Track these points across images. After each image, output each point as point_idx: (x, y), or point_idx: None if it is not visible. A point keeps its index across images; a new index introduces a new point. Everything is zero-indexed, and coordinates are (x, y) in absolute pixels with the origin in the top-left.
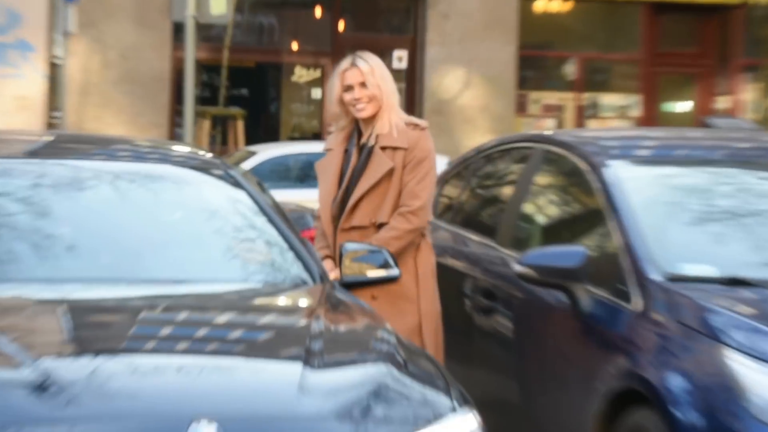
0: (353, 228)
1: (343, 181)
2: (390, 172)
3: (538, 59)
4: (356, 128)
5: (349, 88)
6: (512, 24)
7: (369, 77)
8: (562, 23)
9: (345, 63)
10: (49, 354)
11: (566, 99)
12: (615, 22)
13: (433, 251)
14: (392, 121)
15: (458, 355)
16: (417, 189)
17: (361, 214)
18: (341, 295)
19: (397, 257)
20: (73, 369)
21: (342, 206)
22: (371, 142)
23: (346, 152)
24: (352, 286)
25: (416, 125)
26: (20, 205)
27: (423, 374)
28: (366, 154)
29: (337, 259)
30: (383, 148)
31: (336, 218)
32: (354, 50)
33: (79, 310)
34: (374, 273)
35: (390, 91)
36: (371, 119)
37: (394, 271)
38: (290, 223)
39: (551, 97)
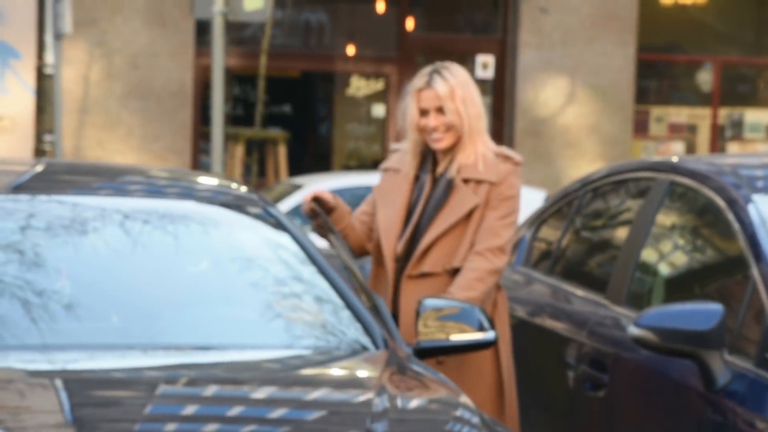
0: (423, 275)
1: (412, 215)
2: (472, 210)
3: (662, 65)
4: (430, 153)
5: (424, 112)
6: (630, 20)
7: (447, 101)
8: (695, 18)
9: (420, 79)
10: None
11: (699, 116)
12: (764, 18)
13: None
14: (478, 150)
15: None
16: (498, 226)
17: (434, 258)
18: (411, 363)
19: None
20: None
21: (410, 246)
22: (451, 173)
23: (417, 180)
24: (428, 353)
25: (508, 157)
26: (6, 253)
27: None
28: (445, 186)
29: (405, 315)
30: (465, 181)
31: (400, 259)
32: (426, 55)
33: (80, 385)
34: (462, 337)
35: (475, 116)
36: (450, 149)
37: (489, 335)
38: (358, 279)
39: (679, 114)
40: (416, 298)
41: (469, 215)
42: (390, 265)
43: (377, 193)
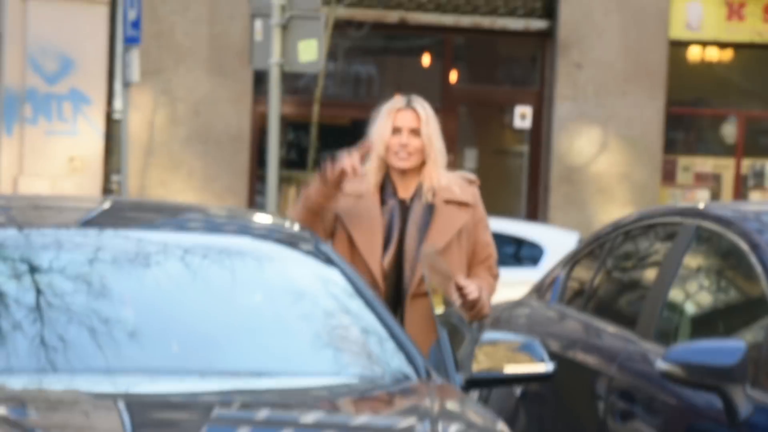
0: (425, 294)
1: (390, 236)
2: (460, 229)
3: (689, 118)
4: (387, 177)
5: (396, 131)
6: (660, 75)
7: (423, 126)
8: (721, 75)
9: (399, 102)
10: None
11: (724, 166)
12: None
13: None
14: (444, 175)
15: None
16: (490, 243)
17: None
18: (452, 391)
19: None
20: None
21: (398, 268)
22: (427, 196)
23: (383, 203)
24: (480, 384)
25: (471, 181)
26: (74, 283)
27: None
28: (425, 208)
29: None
30: (446, 203)
31: (389, 278)
32: (468, 105)
33: (141, 407)
34: (518, 368)
35: (440, 149)
36: (407, 173)
37: (548, 366)
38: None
39: (705, 164)
40: (421, 315)
41: (459, 236)
42: (382, 285)
43: (345, 214)
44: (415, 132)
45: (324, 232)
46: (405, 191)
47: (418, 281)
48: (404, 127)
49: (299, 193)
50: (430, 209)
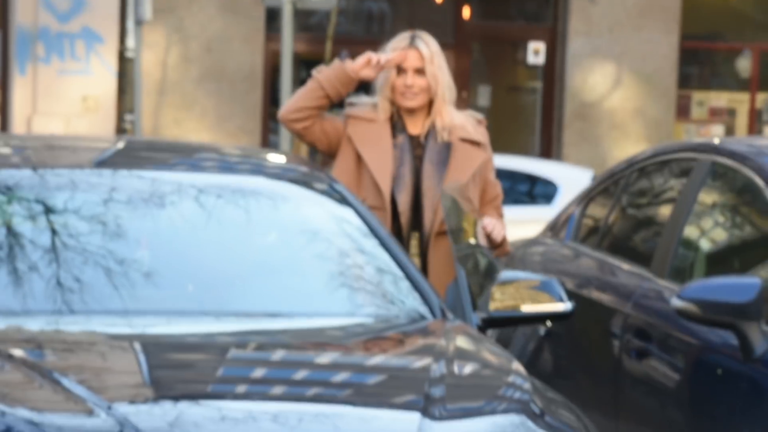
0: (445, 232)
1: (400, 172)
2: (477, 169)
3: (704, 52)
4: (396, 115)
5: (401, 71)
6: (674, 10)
7: (428, 64)
8: (735, 8)
9: (402, 41)
10: (124, 398)
11: (738, 101)
12: None
13: None
14: (452, 112)
15: (604, 405)
16: (498, 184)
17: None
18: (467, 331)
19: None
20: (152, 416)
21: (415, 205)
22: (443, 134)
23: (393, 137)
24: (498, 324)
25: (479, 120)
26: (89, 224)
27: (563, 427)
28: (443, 147)
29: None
30: (462, 141)
31: (406, 217)
32: (481, 42)
33: (158, 348)
34: (535, 307)
35: (447, 84)
36: (416, 111)
37: (567, 305)
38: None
39: (720, 99)
40: (444, 254)
41: (473, 173)
42: (388, 209)
43: (354, 136)
44: (420, 71)
45: (323, 136)
46: (415, 128)
47: (441, 220)
48: (408, 67)
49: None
50: (447, 147)
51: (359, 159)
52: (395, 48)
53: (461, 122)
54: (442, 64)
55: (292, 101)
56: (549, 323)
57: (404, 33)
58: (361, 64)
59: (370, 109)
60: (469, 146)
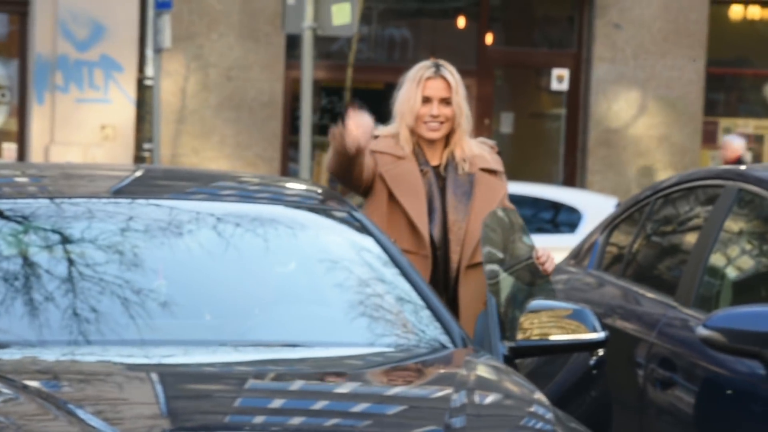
0: (478, 264)
1: (432, 205)
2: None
3: (731, 78)
4: (417, 145)
5: (426, 101)
6: (701, 35)
7: (454, 94)
8: (762, 34)
9: (427, 70)
10: (140, 430)
11: (766, 127)
12: None
13: None
14: (470, 143)
15: None
16: (515, 209)
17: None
18: (489, 360)
19: None
20: None
21: (444, 236)
22: (464, 165)
23: (422, 171)
24: (526, 353)
25: (492, 147)
26: (106, 254)
27: None
28: (466, 179)
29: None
30: (483, 171)
31: (440, 251)
32: (504, 68)
33: (175, 378)
34: (565, 336)
35: (467, 115)
36: (436, 141)
37: (599, 334)
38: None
39: (747, 125)
40: (475, 286)
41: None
42: (429, 250)
43: (388, 177)
44: (446, 101)
45: (362, 176)
46: (434, 159)
47: (473, 252)
48: (435, 96)
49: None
50: (469, 179)
51: (391, 197)
52: (420, 78)
53: (479, 152)
54: (464, 94)
55: (328, 157)
56: (601, 352)
57: (425, 62)
58: (350, 140)
59: (394, 143)
60: (490, 176)
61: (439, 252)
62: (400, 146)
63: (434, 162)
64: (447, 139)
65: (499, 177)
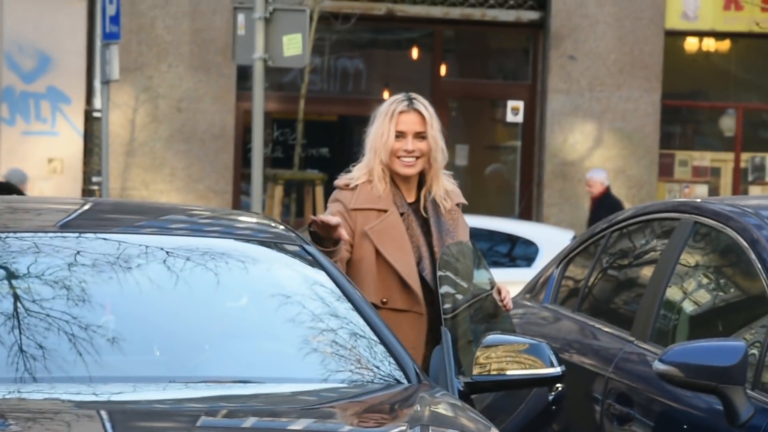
0: None
1: (420, 253)
2: None
3: (687, 111)
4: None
5: (400, 135)
6: (656, 67)
7: (429, 128)
8: (718, 66)
9: (399, 103)
10: None
11: (723, 160)
12: None
13: None
14: (445, 178)
15: None
16: None
17: None
18: (444, 396)
19: None
20: None
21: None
22: (445, 202)
23: (402, 215)
24: (482, 389)
25: (449, 176)
26: (53, 289)
27: None
28: (448, 217)
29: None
30: (458, 206)
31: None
32: (459, 100)
33: (124, 416)
34: (522, 372)
35: (443, 149)
36: (410, 176)
37: (556, 369)
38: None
39: (703, 158)
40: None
41: None
42: (422, 302)
43: (376, 235)
44: (420, 135)
45: (342, 256)
46: (410, 196)
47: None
48: (409, 131)
49: (285, 193)
50: (452, 216)
51: (378, 254)
52: (392, 112)
53: (452, 186)
54: (439, 128)
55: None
56: (559, 386)
57: (398, 95)
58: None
59: (369, 189)
60: (461, 210)
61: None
62: (377, 194)
63: (410, 199)
64: (421, 174)
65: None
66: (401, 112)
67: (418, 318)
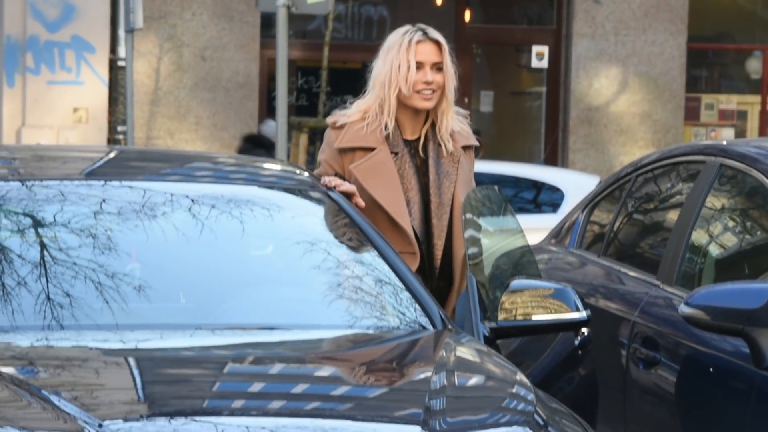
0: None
1: (409, 196)
2: None
3: (713, 54)
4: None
5: (419, 66)
6: (681, 10)
7: (446, 59)
8: (744, 8)
9: (413, 33)
10: (116, 416)
11: (749, 103)
12: None
13: None
14: (453, 116)
15: (611, 415)
16: None
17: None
18: (469, 342)
19: None
20: None
21: (427, 225)
22: (448, 145)
23: (395, 154)
24: (507, 334)
25: (465, 116)
26: (79, 237)
27: None
28: (447, 157)
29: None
30: (465, 149)
31: (423, 243)
32: (483, 46)
33: (151, 363)
34: (547, 316)
35: (454, 83)
36: (419, 112)
37: (582, 314)
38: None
39: (730, 101)
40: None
41: None
42: (416, 247)
43: (361, 175)
44: (437, 66)
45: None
46: (413, 132)
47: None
48: (427, 61)
49: (310, 141)
50: (454, 159)
51: (364, 192)
52: (408, 43)
53: (460, 126)
54: (453, 60)
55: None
56: (585, 331)
57: (406, 26)
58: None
59: (361, 127)
60: (469, 153)
61: (423, 246)
62: (366, 132)
63: (412, 135)
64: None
65: (471, 151)
66: (418, 42)
67: (412, 258)
